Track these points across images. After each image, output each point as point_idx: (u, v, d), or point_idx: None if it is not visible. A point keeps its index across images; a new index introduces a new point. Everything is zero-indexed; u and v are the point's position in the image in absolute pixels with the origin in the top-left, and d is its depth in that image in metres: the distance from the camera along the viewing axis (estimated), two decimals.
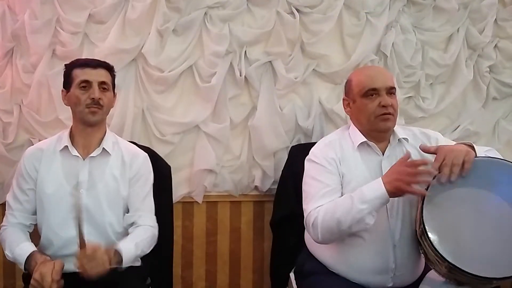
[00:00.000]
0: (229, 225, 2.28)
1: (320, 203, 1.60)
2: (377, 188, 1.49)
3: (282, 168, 2.16)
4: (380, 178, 1.52)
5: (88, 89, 1.64)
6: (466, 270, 1.41)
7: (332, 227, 1.55)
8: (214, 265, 2.28)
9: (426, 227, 1.46)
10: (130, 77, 2.11)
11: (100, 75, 1.66)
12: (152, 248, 1.69)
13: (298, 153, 2.00)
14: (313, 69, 2.25)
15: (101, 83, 1.66)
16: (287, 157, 2.16)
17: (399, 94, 2.28)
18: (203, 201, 2.23)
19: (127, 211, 1.70)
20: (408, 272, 1.65)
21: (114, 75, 1.75)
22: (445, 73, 2.35)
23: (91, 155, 1.68)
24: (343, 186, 1.65)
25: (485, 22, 2.35)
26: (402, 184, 1.46)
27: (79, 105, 1.65)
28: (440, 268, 1.49)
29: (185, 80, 2.17)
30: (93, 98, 1.63)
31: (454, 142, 1.72)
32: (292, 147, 2.19)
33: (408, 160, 1.49)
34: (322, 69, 2.25)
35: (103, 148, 1.69)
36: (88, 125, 1.67)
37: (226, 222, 2.28)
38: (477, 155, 1.55)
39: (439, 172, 1.50)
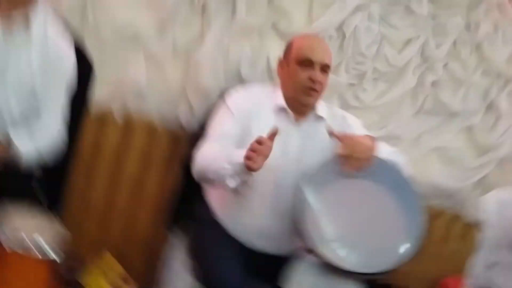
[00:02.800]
0: (141, 151, 2.19)
1: (210, 144, 1.60)
2: (238, 154, 1.46)
3: (209, 109, 2.09)
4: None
5: None
6: (328, 256, 1.47)
7: (202, 172, 1.55)
8: (117, 186, 2.19)
9: (305, 205, 1.50)
10: None
11: None
12: (52, 155, 1.58)
13: None
14: (273, 22, 2.18)
15: None
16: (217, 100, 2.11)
17: (344, 78, 2.30)
18: (120, 120, 2.11)
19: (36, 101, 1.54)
20: (290, 242, 1.69)
21: None
22: (392, 73, 2.38)
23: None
24: (245, 142, 1.59)
25: (445, 39, 2.40)
26: (244, 158, 1.42)
27: None
28: (309, 246, 1.54)
29: None
30: None
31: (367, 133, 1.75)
32: (225, 92, 2.14)
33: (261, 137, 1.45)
34: (282, 26, 2.19)
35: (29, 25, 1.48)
36: None
37: (140, 147, 2.18)
38: (379, 156, 1.57)
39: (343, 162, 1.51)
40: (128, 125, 2.15)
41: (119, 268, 2.08)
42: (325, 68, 1.66)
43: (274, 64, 2.16)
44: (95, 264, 2.07)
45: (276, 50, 2.20)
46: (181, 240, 1.87)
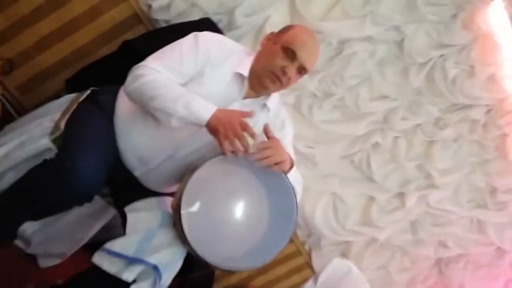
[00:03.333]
0: (96, 7, 2.02)
1: (160, 70, 1.51)
2: (204, 111, 1.42)
3: (184, 21, 2.00)
4: (217, 108, 1.44)
5: None
6: (183, 222, 1.44)
7: (144, 95, 1.47)
8: (47, 12, 2.00)
9: (196, 170, 1.45)
10: None
11: None
12: None
13: (202, 29, 1.85)
14: None
15: None
16: (196, 20, 2.01)
17: (313, 87, 2.26)
18: None
19: None
20: (158, 182, 1.67)
21: None
22: (352, 112, 2.38)
23: None
24: (191, 83, 1.56)
25: (413, 118, 2.43)
26: (221, 131, 1.41)
27: None
28: (175, 200, 1.49)
29: None
30: None
31: (291, 148, 1.75)
32: (208, 19, 2.03)
33: (245, 119, 1.44)
34: (298, 2, 2.09)
35: None
36: None
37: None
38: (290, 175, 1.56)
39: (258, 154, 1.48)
40: None
41: None
42: (301, 70, 1.61)
43: (267, 27, 2.10)
44: None
45: (277, 18, 2.13)
46: (69, 103, 1.75)
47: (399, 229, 2.73)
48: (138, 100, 1.52)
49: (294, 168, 1.59)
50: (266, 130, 1.52)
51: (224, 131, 1.41)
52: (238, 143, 1.43)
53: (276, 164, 1.47)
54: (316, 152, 2.45)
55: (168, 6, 2.03)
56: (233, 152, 1.43)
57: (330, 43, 2.20)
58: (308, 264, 2.79)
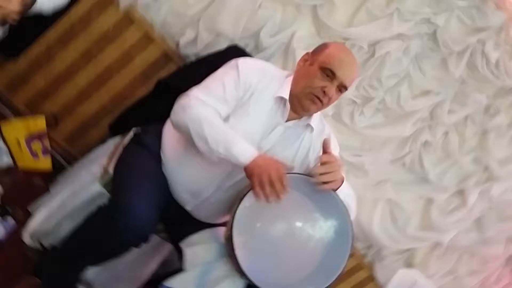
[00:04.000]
0: (125, 49, 2.09)
1: (206, 99, 1.52)
2: (244, 154, 1.42)
3: (213, 51, 2.04)
4: (257, 152, 1.44)
5: None
6: (235, 246, 1.42)
7: (190, 128, 1.48)
8: (84, 65, 2.10)
9: (245, 197, 1.44)
10: None
11: None
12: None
13: (235, 54, 1.88)
14: (314, 5, 2.09)
15: None
16: (224, 48, 2.04)
17: (351, 94, 2.23)
18: (122, 9, 2.00)
19: None
20: (210, 213, 1.67)
21: None
22: (396, 112, 2.33)
23: None
24: (234, 112, 1.57)
25: (461, 108, 2.34)
26: (256, 178, 1.39)
27: None
28: (227, 231, 1.48)
29: None
30: None
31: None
32: (236, 46, 2.06)
33: (283, 167, 1.42)
34: (321, 12, 2.09)
35: None
36: None
37: (126, 45, 2.08)
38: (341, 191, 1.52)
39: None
40: (127, 18, 2.04)
41: (42, 128, 2.03)
42: (341, 88, 1.59)
43: (296, 44, 2.09)
44: (24, 118, 2.02)
45: (303, 32, 2.12)
46: (114, 148, 1.81)
47: (463, 229, 2.60)
48: (183, 130, 1.54)
49: (345, 183, 1.55)
50: (325, 146, 1.49)
51: (259, 179, 1.39)
52: (269, 191, 1.39)
53: (331, 182, 1.45)
54: (365, 160, 2.38)
55: (194, 40, 2.08)
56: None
57: (361, 47, 2.17)
58: (371, 278, 2.69)
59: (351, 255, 1.54)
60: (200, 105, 1.51)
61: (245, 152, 1.44)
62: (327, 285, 1.48)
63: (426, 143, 2.40)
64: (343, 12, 2.12)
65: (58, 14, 1.81)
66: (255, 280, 1.43)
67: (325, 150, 1.49)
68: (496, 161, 2.46)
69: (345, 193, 1.54)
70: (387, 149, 2.41)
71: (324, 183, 1.43)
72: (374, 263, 2.66)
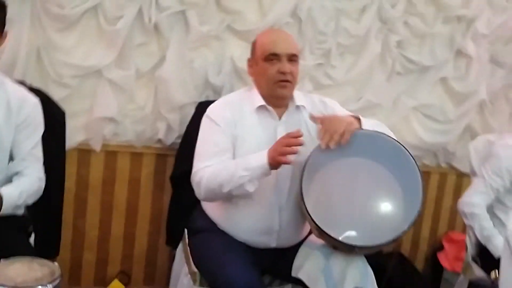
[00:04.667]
0: (128, 176, 2.23)
1: (208, 163, 1.61)
2: (260, 158, 1.50)
3: (187, 123, 2.13)
4: (267, 149, 1.52)
5: None
6: (330, 234, 1.48)
7: (214, 189, 1.57)
8: (109, 214, 2.23)
9: (303, 191, 1.51)
10: (25, 11, 1.91)
11: None
12: (35, 200, 1.60)
13: (205, 110, 1.98)
14: (228, 25, 2.19)
15: None
16: (193, 112, 2.13)
17: (310, 60, 2.32)
18: (101, 150, 2.15)
19: (11, 158, 1.56)
20: (292, 233, 1.71)
21: (4, 13, 1.53)
22: (356, 44, 2.40)
23: None
24: (237, 147, 1.65)
25: None
26: (276, 155, 1.47)
27: None
28: (314, 230, 1.56)
29: (88, 20, 2.02)
30: None
31: (349, 113, 1.76)
32: (200, 103, 2.16)
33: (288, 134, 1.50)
34: (237, 25, 2.20)
35: None
36: None
37: (126, 173, 2.22)
38: (363, 128, 1.59)
39: (321, 138, 1.53)
40: (109, 153, 2.18)
41: None
42: (292, 58, 1.68)
43: (240, 64, 2.19)
44: None
45: (237, 50, 2.23)
46: (184, 252, 1.90)
47: None
48: (214, 196, 1.63)
49: (363, 119, 1.63)
50: (311, 118, 1.60)
51: (278, 152, 1.47)
52: (291, 149, 1.47)
53: (342, 133, 1.52)
54: (367, 96, 2.45)
55: (169, 128, 2.20)
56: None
57: (287, 22, 2.24)
58: None
59: None
60: (206, 170, 1.59)
61: (257, 156, 1.52)
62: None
63: (399, 43, 2.46)
64: (252, 12, 2.22)
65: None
66: (367, 246, 1.49)
67: (314, 120, 1.60)
68: (460, 7, 2.50)
69: (370, 124, 1.61)
70: (375, 73, 2.46)
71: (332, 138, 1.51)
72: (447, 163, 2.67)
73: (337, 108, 1.79)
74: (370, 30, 2.39)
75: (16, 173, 1.58)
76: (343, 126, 1.53)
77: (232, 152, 1.65)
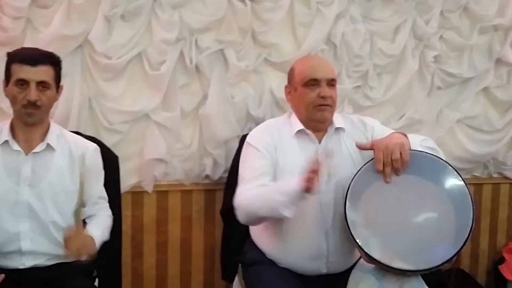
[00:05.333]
0: (180, 214, 2.27)
1: (248, 186, 1.64)
2: (295, 183, 1.49)
3: (233, 157, 2.16)
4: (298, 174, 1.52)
5: (25, 88, 1.54)
6: (380, 261, 1.46)
7: (252, 212, 1.60)
8: (165, 254, 2.27)
9: (348, 217, 1.51)
10: (76, 64, 2.03)
11: (39, 73, 1.55)
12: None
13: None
14: (264, 58, 2.25)
15: (40, 83, 1.55)
16: (238, 146, 2.17)
17: (348, 83, 2.34)
18: (153, 191, 2.21)
19: (83, 205, 1.63)
20: (342, 258, 1.71)
21: (60, 68, 1.65)
22: (392, 63, 2.41)
23: (34, 150, 1.60)
24: (277, 171, 1.67)
25: (431, 13, 2.42)
26: (304, 182, 1.46)
27: (15, 104, 1.57)
28: (363, 256, 1.55)
29: (133, 67, 2.11)
30: (29, 100, 1.54)
31: (391, 130, 1.76)
32: (243, 136, 2.19)
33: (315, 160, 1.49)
34: (273, 58, 2.26)
35: (47, 143, 1.62)
36: (25, 124, 1.60)
37: (177, 211, 2.27)
38: (412, 145, 1.58)
39: (383, 171, 1.54)
40: (160, 192, 2.24)
41: None
42: (331, 82, 1.72)
43: (279, 94, 2.24)
44: None
45: (276, 81, 2.28)
46: (240, 287, 1.91)
47: None
48: (253, 220, 1.66)
49: (410, 135, 1.63)
50: (358, 146, 1.64)
51: (310, 179, 1.46)
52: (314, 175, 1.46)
53: (397, 159, 1.52)
54: (409, 113, 2.44)
55: (215, 163, 2.25)
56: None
57: (323, 50, 2.28)
58: None
59: None
60: (244, 194, 1.63)
61: (292, 181, 1.51)
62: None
63: (436, 58, 2.46)
64: (287, 43, 2.28)
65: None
66: (420, 268, 1.47)
67: (360, 147, 1.62)
68: (495, 15, 2.49)
69: (418, 140, 1.62)
70: (415, 90, 2.45)
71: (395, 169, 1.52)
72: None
73: (377, 126, 1.81)
74: (406, 48, 2.40)
75: (89, 217, 1.68)
76: (397, 151, 1.53)
77: (272, 176, 1.68)
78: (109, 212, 1.74)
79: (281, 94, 2.20)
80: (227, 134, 2.22)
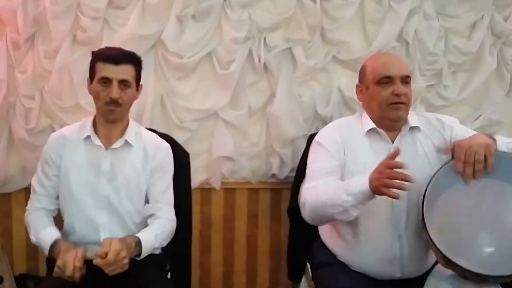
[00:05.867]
0: (246, 212, 2.29)
1: (314, 184, 1.61)
2: (363, 183, 1.45)
3: (300, 156, 2.14)
4: (370, 173, 1.46)
5: (108, 86, 1.61)
6: (459, 264, 1.38)
7: (317, 210, 1.56)
8: (232, 251, 2.30)
9: (425, 218, 1.44)
10: (150, 63, 2.09)
11: (122, 72, 1.61)
12: (169, 241, 1.70)
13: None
14: (333, 56, 2.22)
15: (122, 81, 1.62)
16: (305, 145, 2.13)
17: (421, 82, 2.26)
18: (220, 188, 2.24)
19: (146, 201, 1.70)
20: (416, 262, 1.64)
21: (140, 67, 1.70)
22: (468, 61, 2.30)
23: (113, 146, 1.67)
24: (346, 171, 1.63)
25: (510, 9, 2.29)
26: (379, 185, 1.40)
27: (98, 101, 1.64)
28: (440, 260, 1.47)
29: (204, 66, 2.16)
30: (111, 97, 1.60)
31: (472, 130, 1.68)
32: (311, 135, 2.17)
33: (388, 160, 1.42)
34: (342, 56, 2.22)
35: (126, 140, 1.68)
36: (107, 121, 1.68)
37: (244, 208, 2.29)
38: (498, 146, 1.50)
39: (463, 172, 1.46)
40: (228, 190, 2.27)
41: None
42: (405, 79, 1.65)
43: (347, 93, 2.20)
44: None
45: (344, 79, 2.25)
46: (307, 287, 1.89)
47: None
48: (318, 218, 1.61)
49: (498, 137, 1.55)
50: (440, 150, 1.58)
51: (381, 184, 1.40)
52: (397, 182, 1.39)
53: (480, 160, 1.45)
54: (486, 114, 2.32)
55: (282, 162, 2.23)
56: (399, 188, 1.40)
57: (394, 47, 2.21)
58: None
59: None
60: (311, 191, 1.59)
61: (359, 181, 1.46)
62: None
63: None
64: (357, 40, 2.23)
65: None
66: (497, 275, 1.39)
67: (442, 151, 1.56)
68: None
69: (505, 141, 1.53)
70: (493, 90, 2.33)
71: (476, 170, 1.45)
72: None
73: (456, 126, 1.71)
74: (483, 45, 2.28)
75: (151, 215, 1.70)
76: (482, 151, 1.45)
77: (340, 175, 1.63)
78: (171, 215, 1.72)
79: (349, 92, 2.20)
80: (294, 133, 2.21)
